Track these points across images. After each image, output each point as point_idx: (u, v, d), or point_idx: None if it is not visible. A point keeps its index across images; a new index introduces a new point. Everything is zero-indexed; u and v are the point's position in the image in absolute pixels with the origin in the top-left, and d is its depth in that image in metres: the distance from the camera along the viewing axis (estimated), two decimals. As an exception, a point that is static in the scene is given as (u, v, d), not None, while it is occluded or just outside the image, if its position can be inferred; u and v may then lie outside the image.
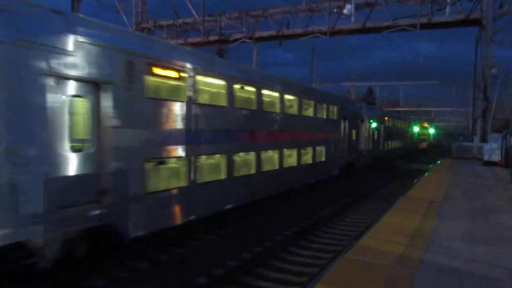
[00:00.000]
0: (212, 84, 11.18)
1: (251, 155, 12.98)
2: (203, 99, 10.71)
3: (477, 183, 16.78)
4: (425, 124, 64.98)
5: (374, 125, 29.83)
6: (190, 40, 35.19)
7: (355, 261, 6.39)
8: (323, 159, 19.20)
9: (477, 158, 28.34)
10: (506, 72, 33.21)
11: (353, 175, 23.78)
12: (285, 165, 15.23)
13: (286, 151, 15.28)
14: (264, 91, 13.68)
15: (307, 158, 17.49)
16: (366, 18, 29.10)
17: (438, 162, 30.86)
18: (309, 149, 17.63)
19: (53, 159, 6.67)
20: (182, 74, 9.72)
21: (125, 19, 35.15)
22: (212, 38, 34.50)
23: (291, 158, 15.93)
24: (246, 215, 12.82)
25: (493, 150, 25.77)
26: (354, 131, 24.30)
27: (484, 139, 29.00)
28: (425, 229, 8.58)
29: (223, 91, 11.52)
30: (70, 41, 6.95)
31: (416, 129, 53.13)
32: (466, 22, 27.79)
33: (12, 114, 6.10)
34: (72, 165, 7.05)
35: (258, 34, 33.44)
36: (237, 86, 12.03)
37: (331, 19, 30.19)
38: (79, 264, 7.50)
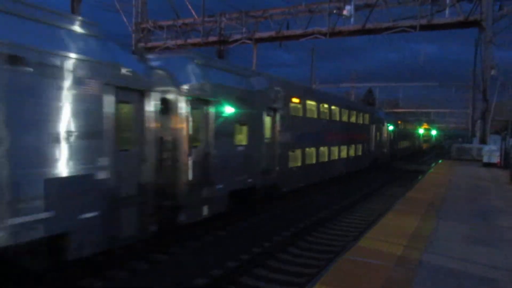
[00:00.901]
0: (310, 104, 18.26)
1: (325, 149, 19.82)
2: (308, 114, 17.82)
3: (476, 185, 16.79)
4: (425, 126, 67.06)
5: (390, 128, 35.70)
6: (190, 40, 35.21)
7: (354, 262, 6.39)
8: (360, 154, 26.04)
9: (477, 160, 28.33)
10: (505, 73, 33.23)
11: (353, 175, 23.90)
12: (341, 156, 22.26)
13: (341, 147, 22.19)
14: (332, 107, 21.06)
15: (352, 152, 24.25)
16: (365, 19, 29.12)
17: (438, 163, 30.88)
18: (353, 146, 24.40)
19: (262, 146, 13.44)
20: (300, 100, 16.97)
21: (125, 19, 35.19)
22: (211, 38, 34.50)
23: (343, 152, 22.64)
24: (245, 216, 12.82)
25: (492, 151, 25.77)
26: (378, 133, 31.11)
27: (483, 141, 29.01)
28: (424, 230, 8.59)
29: (314, 108, 18.62)
30: (272, 89, 14.19)
31: (421, 131, 59.70)
32: (466, 24, 27.81)
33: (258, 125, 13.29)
34: (266, 149, 13.72)
35: (258, 35, 33.47)
36: (320, 105, 19.34)
37: (331, 20, 30.22)
38: (78, 263, 7.50)
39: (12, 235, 5.68)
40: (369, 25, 29.24)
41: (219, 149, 10.78)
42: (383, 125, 33.14)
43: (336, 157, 21.37)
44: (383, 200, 17.36)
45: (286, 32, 32.37)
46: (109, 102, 7.38)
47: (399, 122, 41.74)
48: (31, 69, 5.98)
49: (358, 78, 64.79)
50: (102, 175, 7.22)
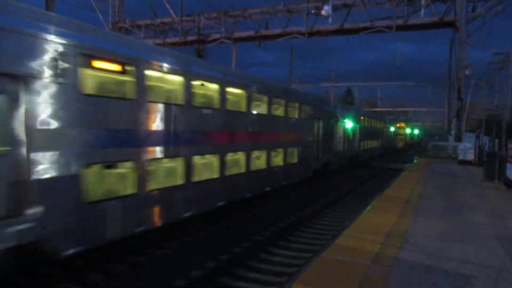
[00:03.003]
0: (365, 119, 35.42)
1: (370, 141, 37.15)
2: (364, 124, 34.67)
3: (451, 182, 17.15)
4: (402, 125, 73.56)
5: (392, 129, 55.73)
6: (168, 40, 34.91)
7: (332, 260, 6.44)
8: (380, 146, 43.69)
9: (452, 157, 28.95)
10: (479, 73, 34.03)
11: (333, 174, 24.16)
12: (374, 146, 39.92)
13: (375, 141, 40.03)
14: (371, 119, 39.22)
15: (378, 144, 42.07)
16: (343, 20, 29.42)
17: (415, 161, 31.40)
18: (378, 141, 42.50)
19: (354, 139, 29.99)
20: (363, 117, 34.87)
21: (101, 18, 34.63)
22: (190, 38, 34.30)
23: (375, 143, 40.21)
24: (224, 216, 12.79)
25: (467, 149, 26.36)
26: (387, 133, 50.38)
27: (458, 139, 29.66)
28: (400, 228, 8.72)
29: (366, 120, 36.16)
30: (356, 114, 31.62)
31: (408, 130, 77.43)
32: (441, 24, 28.37)
33: (355, 131, 30.59)
34: (355, 141, 30.41)
35: (237, 34, 33.40)
36: (367, 118, 36.69)
37: (309, 20, 30.42)
38: (56, 266, 7.36)
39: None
40: (347, 25, 29.54)
41: (346, 140, 26.50)
42: (388, 127, 51.97)
43: (373, 147, 39.32)
44: (362, 198, 17.55)
45: (265, 32, 32.42)
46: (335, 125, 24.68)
47: (397, 125, 62.42)
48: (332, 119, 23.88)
49: (337, 78, 65.21)
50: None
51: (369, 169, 30.72)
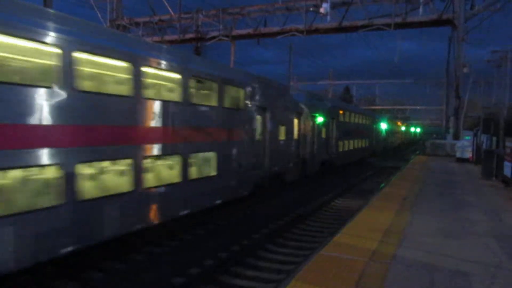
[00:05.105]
0: (390, 122, 54.67)
1: (392, 138, 54.28)
2: (392, 127, 55.16)
3: (449, 180, 17.19)
4: (413, 126, 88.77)
5: (402, 128, 64.44)
6: (166, 37, 34.86)
7: (329, 258, 6.46)
8: (393, 141, 54.60)
9: (450, 155, 29.00)
10: (477, 71, 34.13)
11: (334, 172, 24.24)
12: (394, 142, 56.56)
13: (394, 139, 56.52)
14: (392, 122, 57.02)
15: (393, 140, 54.62)
16: (342, 17, 29.41)
17: (413, 159, 31.46)
18: (395, 137, 56.16)
19: (386, 140, 49.73)
20: (390, 121, 56.09)
21: (99, 15, 34.57)
22: (188, 35, 34.25)
23: (393, 139, 55.39)
24: (223, 214, 12.80)
25: (465, 147, 26.41)
26: (400, 132, 63.36)
27: (456, 137, 29.71)
28: (398, 225, 8.75)
29: (392, 124, 55.27)
30: (388, 120, 52.93)
31: (412, 129, 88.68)
32: (439, 22, 28.40)
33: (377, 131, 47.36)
34: (384, 140, 47.75)
35: (235, 32, 33.37)
36: (390, 121, 53.04)
37: (308, 18, 30.40)
38: (56, 265, 7.35)
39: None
40: (345, 23, 29.56)
41: (380, 136, 44.15)
42: (400, 127, 64.81)
43: (392, 141, 50.44)
44: (360, 195, 17.60)
45: (263, 30, 32.41)
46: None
47: (405, 125, 74.45)
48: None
49: (335, 75, 65.19)
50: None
51: (369, 167, 30.75)
